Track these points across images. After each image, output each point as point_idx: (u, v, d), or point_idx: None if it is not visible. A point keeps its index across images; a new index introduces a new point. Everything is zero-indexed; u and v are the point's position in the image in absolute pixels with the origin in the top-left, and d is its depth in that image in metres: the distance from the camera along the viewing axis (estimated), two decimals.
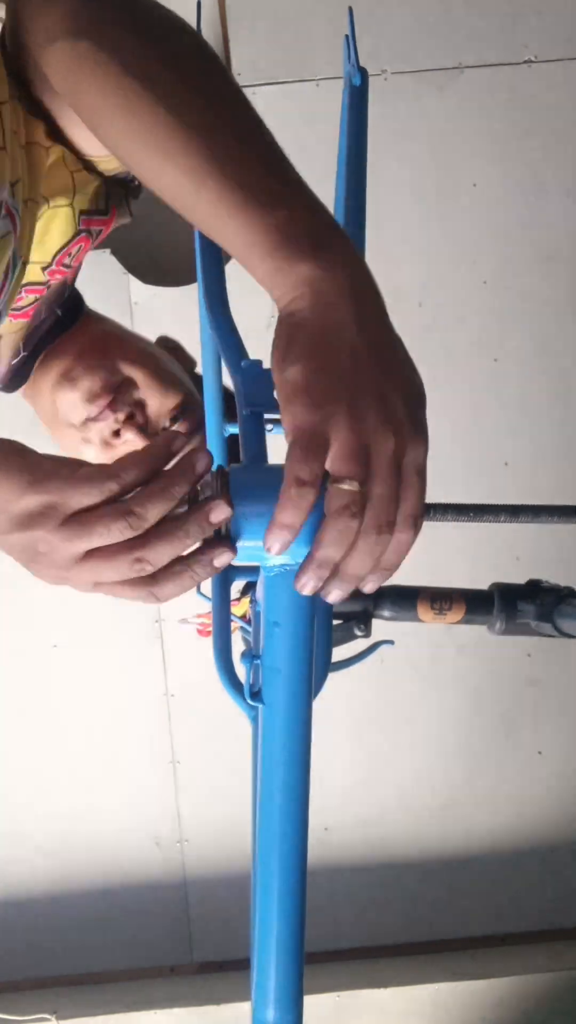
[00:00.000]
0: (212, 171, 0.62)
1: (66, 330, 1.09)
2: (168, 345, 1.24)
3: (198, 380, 1.14)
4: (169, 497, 0.58)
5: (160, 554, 0.58)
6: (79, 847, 2.65)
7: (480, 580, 1.29)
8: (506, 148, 2.65)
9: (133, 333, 1.19)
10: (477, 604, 1.15)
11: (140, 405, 1.08)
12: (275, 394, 0.58)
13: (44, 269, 0.95)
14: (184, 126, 0.64)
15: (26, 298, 0.97)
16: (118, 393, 1.06)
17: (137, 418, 1.07)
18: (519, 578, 1.20)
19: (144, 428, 1.08)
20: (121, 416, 1.06)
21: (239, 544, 0.61)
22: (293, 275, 0.59)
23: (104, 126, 0.68)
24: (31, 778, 2.64)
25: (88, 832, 2.65)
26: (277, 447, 0.71)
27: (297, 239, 0.60)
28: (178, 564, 0.59)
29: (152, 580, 0.59)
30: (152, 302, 2.69)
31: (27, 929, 2.65)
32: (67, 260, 0.97)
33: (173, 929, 2.64)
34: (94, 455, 1.09)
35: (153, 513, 0.58)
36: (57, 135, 0.86)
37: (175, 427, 1.10)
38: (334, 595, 0.59)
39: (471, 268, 2.71)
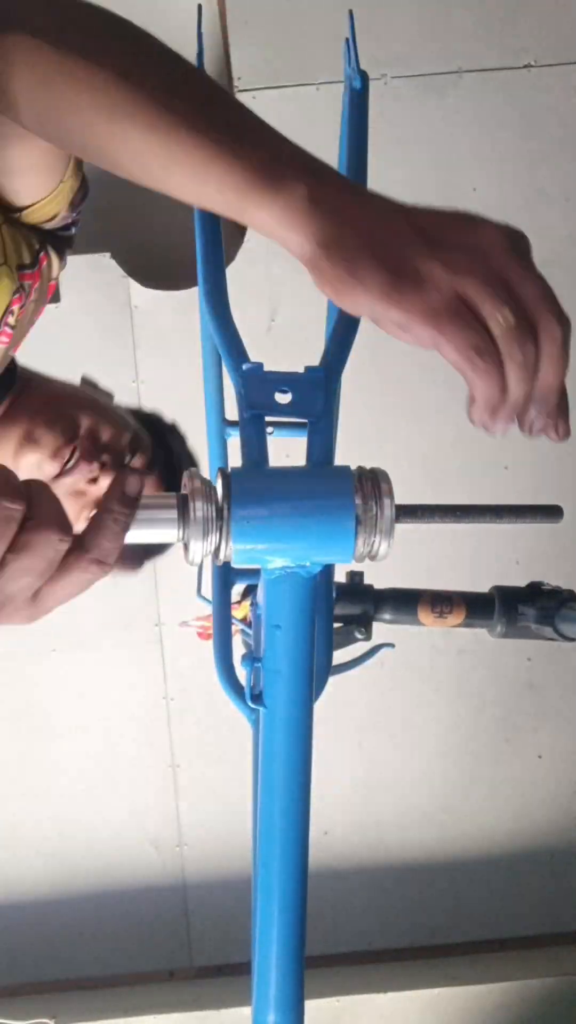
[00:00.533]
0: (179, 121, 0.59)
1: (4, 394, 1.08)
2: (91, 384, 1.24)
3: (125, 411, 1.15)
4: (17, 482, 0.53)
5: (57, 512, 0.54)
6: (78, 851, 2.64)
7: (480, 583, 1.29)
8: (505, 152, 2.66)
9: (68, 383, 1.18)
10: (478, 607, 1.15)
11: (107, 449, 1.08)
12: (375, 318, 0.54)
13: None
14: (134, 85, 0.61)
15: None
16: (86, 443, 1.06)
17: (109, 463, 1.07)
18: (519, 581, 1.20)
19: (114, 468, 1.08)
20: (95, 465, 1.06)
21: (239, 547, 0.61)
22: (299, 203, 0.56)
23: (52, 113, 0.65)
24: (30, 782, 2.64)
25: (87, 836, 2.64)
26: (276, 451, 0.70)
27: (286, 168, 0.57)
28: (96, 518, 0.55)
29: (85, 552, 0.55)
30: (152, 305, 2.69)
31: (26, 933, 2.64)
32: (11, 320, 0.96)
33: (172, 933, 2.64)
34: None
35: (20, 487, 0.53)
36: None
37: (134, 462, 1.11)
38: (539, 423, 0.58)
39: None
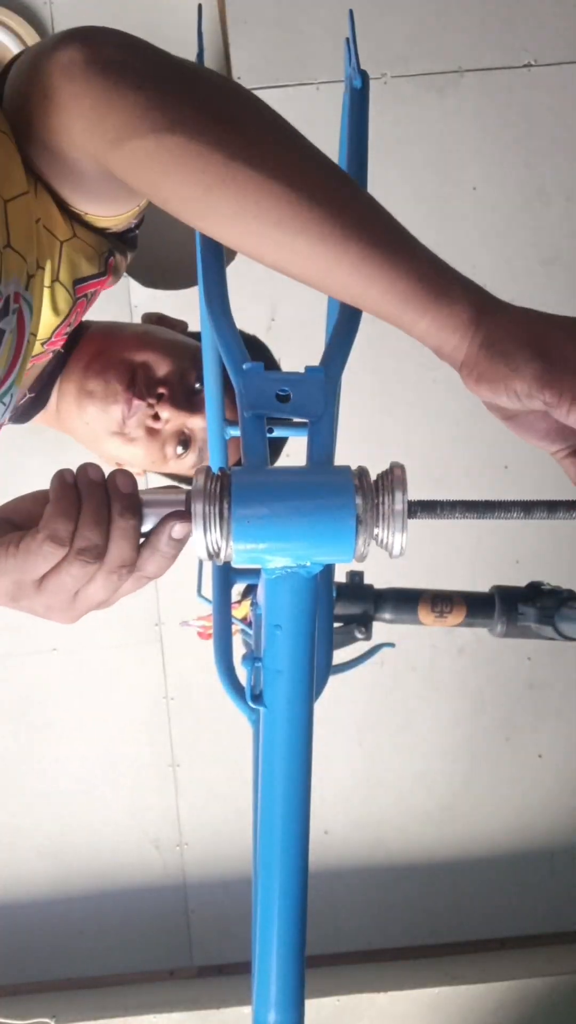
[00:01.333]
0: (349, 234, 0.63)
1: (68, 358, 1.09)
2: (153, 319, 1.25)
3: (196, 336, 1.14)
4: (104, 503, 0.62)
5: (126, 552, 0.62)
6: (78, 850, 2.64)
7: (480, 583, 1.29)
8: (506, 151, 2.65)
9: (119, 323, 1.19)
10: (478, 607, 1.16)
11: (164, 382, 1.08)
12: (529, 401, 0.61)
13: (43, 343, 0.96)
14: (303, 196, 0.63)
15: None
16: (135, 381, 1.06)
17: (166, 394, 1.07)
18: (519, 581, 1.20)
19: (177, 400, 1.08)
20: (152, 399, 1.06)
21: (240, 547, 0.61)
22: (462, 313, 0.63)
23: (214, 216, 0.67)
24: (30, 781, 2.64)
25: (87, 835, 2.64)
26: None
27: (448, 280, 0.64)
28: (146, 546, 0.63)
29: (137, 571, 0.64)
30: (152, 305, 2.69)
31: (26, 932, 2.64)
32: (67, 330, 0.98)
33: (173, 932, 2.64)
34: (143, 451, 1.09)
35: (100, 533, 0.61)
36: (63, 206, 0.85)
37: (201, 388, 1.10)
38: None
39: (471, 272, 2.67)
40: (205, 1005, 2.40)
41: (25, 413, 1.09)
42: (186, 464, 1.11)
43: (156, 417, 1.07)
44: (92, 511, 0.61)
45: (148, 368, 1.07)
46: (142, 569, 0.64)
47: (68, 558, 0.61)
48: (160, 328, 1.17)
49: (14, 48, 2.96)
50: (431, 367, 2.69)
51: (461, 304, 0.62)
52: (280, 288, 2.66)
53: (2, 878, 2.66)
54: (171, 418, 1.07)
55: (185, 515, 0.64)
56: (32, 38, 2.94)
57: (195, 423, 1.08)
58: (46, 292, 0.89)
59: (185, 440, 1.09)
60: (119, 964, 2.64)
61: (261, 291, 2.68)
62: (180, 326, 1.22)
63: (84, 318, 1.13)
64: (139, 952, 2.65)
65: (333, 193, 0.65)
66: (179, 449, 1.09)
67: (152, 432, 1.08)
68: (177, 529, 0.63)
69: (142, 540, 0.65)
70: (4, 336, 0.81)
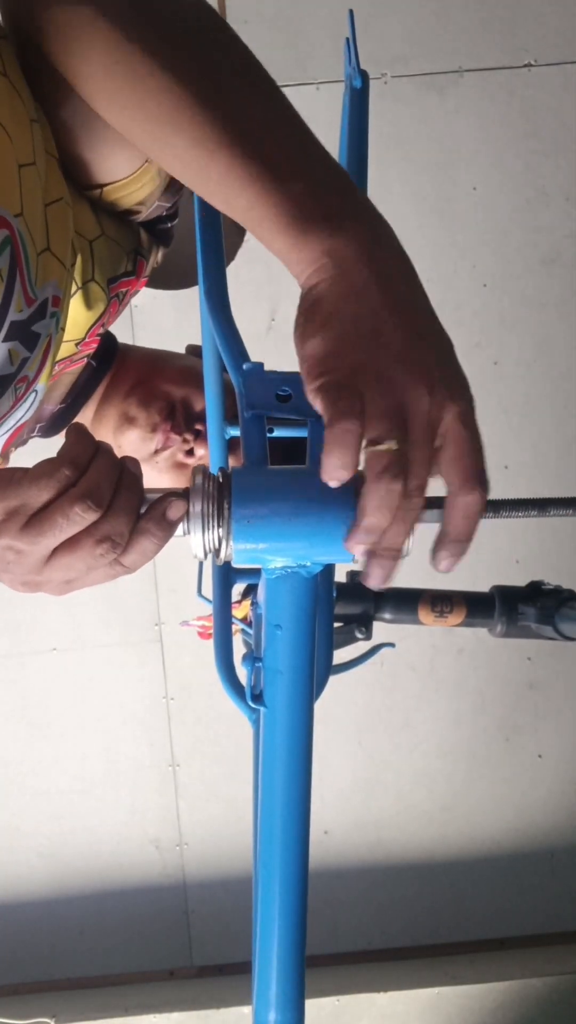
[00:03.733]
0: (224, 141, 0.60)
1: (103, 375, 1.08)
2: (197, 352, 1.25)
3: None
4: (117, 467, 0.59)
5: (121, 525, 0.58)
6: (78, 850, 2.64)
7: (480, 582, 1.29)
8: (506, 151, 2.65)
9: (166, 352, 1.19)
10: (478, 606, 1.15)
11: (200, 418, 1.08)
12: (302, 373, 0.57)
13: (77, 344, 0.95)
14: (193, 95, 0.61)
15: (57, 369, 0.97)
16: (175, 416, 1.06)
17: (202, 431, 1.06)
18: (519, 581, 1.20)
19: None
20: (189, 436, 1.06)
21: (240, 547, 0.61)
22: (308, 249, 0.58)
23: (105, 96, 0.66)
24: (30, 781, 2.64)
25: (87, 835, 2.64)
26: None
27: (312, 211, 0.58)
28: (135, 535, 0.60)
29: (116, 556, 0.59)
30: (152, 305, 2.69)
31: (26, 932, 2.64)
32: (100, 330, 0.98)
33: (173, 932, 2.64)
34: (168, 482, 1.09)
35: (107, 487, 0.58)
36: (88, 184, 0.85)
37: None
38: (376, 577, 0.57)
39: (471, 271, 2.71)
40: (205, 1005, 2.40)
41: (54, 426, 1.08)
42: None
43: (190, 453, 1.07)
44: (108, 481, 0.58)
45: (189, 404, 1.07)
46: (126, 550, 0.59)
47: (73, 496, 0.57)
48: (200, 363, 1.17)
49: None
50: None
51: (315, 240, 0.57)
52: (280, 287, 2.67)
53: (2, 878, 2.66)
54: (204, 456, 1.07)
55: (182, 497, 0.62)
56: None
57: (227, 462, 1.08)
58: (79, 292, 0.89)
59: None
60: (119, 964, 2.64)
61: (261, 291, 2.68)
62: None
63: (121, 341, 1.14)
64: (139, 952, 2.65)
65: (227, 99, 0.62)
66: None
67: (180, 466, 1.08)
68: (173, 508, 0.60)
69: None
70: (40, 341, 0.81)
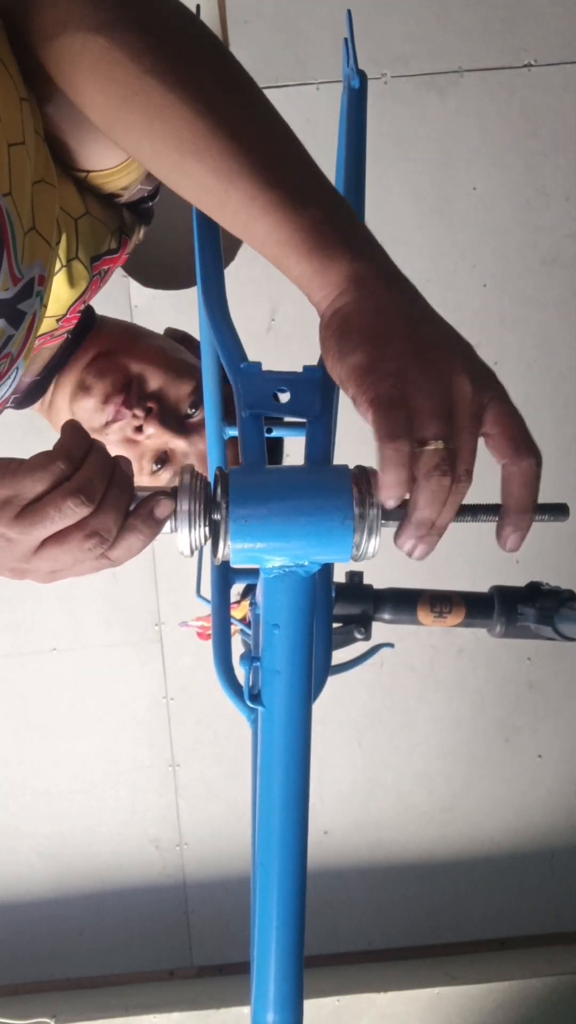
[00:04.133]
0: (242, 170, 0.62)
1: (77, 348, 1.09)
2: (176, 336, 1.24)
3: None
4: (109, 465, 0.60)
5: (110, 522, 0.60)
6: (78, 850, 2.64)
7: (479, 583, 1.29)
8: (506, 151, 2.65)
9: (141, 330, 1.18)
10: (477, 607, 1.15)
11: (156, 397, 1.08)
12: (348, 388, 0.59)
13: (58, 320, 0.96)
14: (211, 125, 0.63)
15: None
16: (130, 390, 1.06)
17: (156, 410, 1.07)
18: (518, 581, 1.20)
19: (166, 419, 1.08)
20: (139, 412, 1.06)
21: (238, 547, 0.61)
22: (333, 273, 0.61)
23: (122, 126, 0.67)
24: (30, 781, 2.64)
25: (87, 835, 2.64)
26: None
27: (331, 237, 0.61)
28: (123, 527, 0.61)
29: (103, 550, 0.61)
30: (152, 304, 2.69)
31: (26, 932, 2.64)
32: (81, 307, 0.98)
33: (172, 932, 2.64)
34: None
35: (99, 484, 0.59)
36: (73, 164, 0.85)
37: (195, 414, 1.10)
38: (421, 552, 0.61)
39: (471, 271, 2.71)
40: (205, 1005, 2.40)
41: (26, 398, 1.09)
42: (159, 481, 1.11)
43: (139, 429, 1.07)
44: (101, 477, 0.60)
45: (144, 380, 1.08)
46: (113, 545, 0.61)
47: (66, 490, 0.58)
48: (175, 346, 1.17)
49: None
50: None
51: (337, 264, 0.60)
52: (280, 288, 2.67)
53: (2, 878, 2.66)
54: (154, 435, 1.07)
55: (171, 496, 0.63)
56: None
57: (178, 444, 1.08)
58: (63, 270, 0.90)
59: (163, 459, 1.09)
60: (119, 964, 2.64)
61: (261, 291, 2.68)
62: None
63: (101, 313, 1.14)
64: (139, 952, 2.65)
65: (242, 128, 0.64)
66: (155, 466, 1.09)
67: (130, 442, 1.08)
68: (161, 507, 0.62)
69: None
70: (25, 319, 0.81)
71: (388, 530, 0.71)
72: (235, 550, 0.61)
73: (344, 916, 2.60)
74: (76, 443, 0.60)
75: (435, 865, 2.64)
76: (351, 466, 0.63)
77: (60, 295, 0.93)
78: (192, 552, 0.63)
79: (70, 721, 2.64)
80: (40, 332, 0.94)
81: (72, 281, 0.92)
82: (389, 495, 0.57)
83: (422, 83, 2.71)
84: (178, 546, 0.63)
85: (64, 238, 0.87)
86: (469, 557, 2.58)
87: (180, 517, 0.62)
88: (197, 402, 1.09)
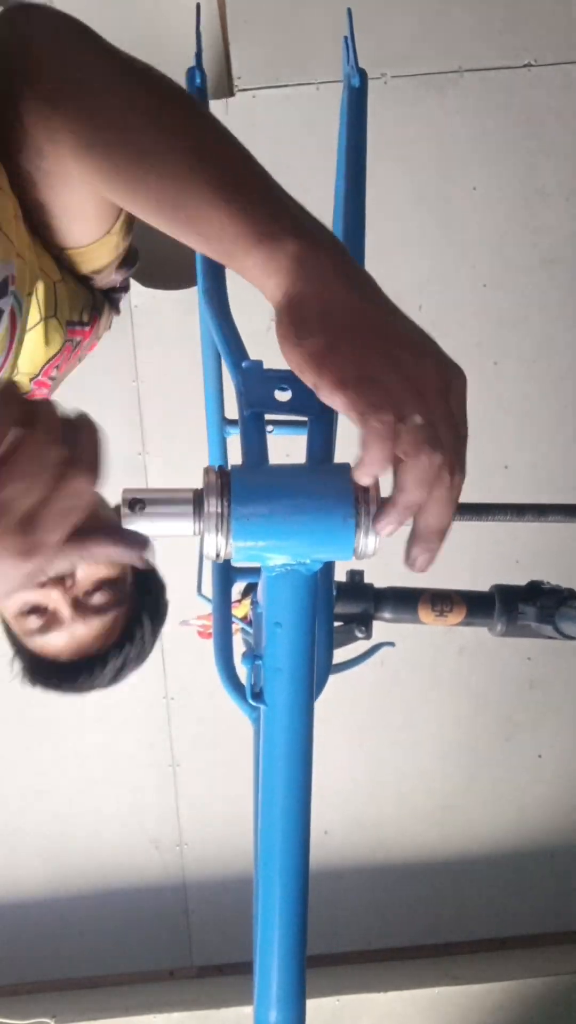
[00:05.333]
0: (195, 174, 0.65)
1: None
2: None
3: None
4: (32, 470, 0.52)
5: (51, 532, 0.52)
6: (78, 850, 2.64)
7: (480, 583, 1.29)
8: (505, 151, 2.65)
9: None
10: (478, 606, 1.15)
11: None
12: (304, 372, 0.58)
13: (32, 379, 0.96)
14: (163, 135, 0.66)
15: None
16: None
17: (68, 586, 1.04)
18: (519, 581, 1.20)
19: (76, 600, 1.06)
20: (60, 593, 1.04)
21: (240, 545, 0.61)
22: (281, 257, 0.61)
23: (86, 151, 0.70)
24: (30, 781, 2.64)
25: (87, 835, 2.64)
26: (276, 449, 0.70)
27: (280, 226, 0.62)
28: (42, 508, 0.52)
29: (29, 541, 0.52)
30: (151, 305, 2.69)
31: (26, 933, 2.64)
32: (53, 372, 0.98)
33: (173, 932, 2.64)
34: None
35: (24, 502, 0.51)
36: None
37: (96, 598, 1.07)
38: (422, 561, 0.59)
39: (471, 271, 2.71)
40: (205, 1005, 2.40)
41: None
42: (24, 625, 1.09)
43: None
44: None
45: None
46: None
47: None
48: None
49: None
50: None
51: (282, 247, 0.61)
52: None
53: (2, 878, 2.66)
54: (56, 600, 1.05)
55: (121, 542, 0.60)
56: None
57: (65, 613, 1.05)
58: (40, 325, 0.91)
59: (38, 610, 1.07)
60: (119, 964, 2.64)
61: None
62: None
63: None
64: (139, 952, 2.64)
65: (193, 137, 0.68)
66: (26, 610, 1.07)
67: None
68: (106, 553, 0.58)
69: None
70: (3, 315, 0.81)
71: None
72: (237, 548, 0.61)
73: (344, 916, 2.60)
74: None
75: (435, 864, 2.64)
76: (352, 464, 0.63)
77: (35, 353, 0.93)
78: (219, 557, 0.62)
79: (70, 721, 2.64)
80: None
81: (47, 339, 0.93)
82: (370, 471, 0.55)
83: (422, 83, 2.71)
84: (205, 551, 0.62)
85: (43, 290, 0.88)
86: (470, 557, 2.58)
87: (208, 520, 0.61)
88: (102, 587, 1.06)
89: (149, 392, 2.68)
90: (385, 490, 0.69)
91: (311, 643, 0.65)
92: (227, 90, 2.84)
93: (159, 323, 2.67)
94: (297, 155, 2.75)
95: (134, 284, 2.69)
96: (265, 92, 2.74)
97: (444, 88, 2.71)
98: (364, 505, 0.61)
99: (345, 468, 0.62)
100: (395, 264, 2.70)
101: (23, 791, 2.63)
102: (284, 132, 2.75)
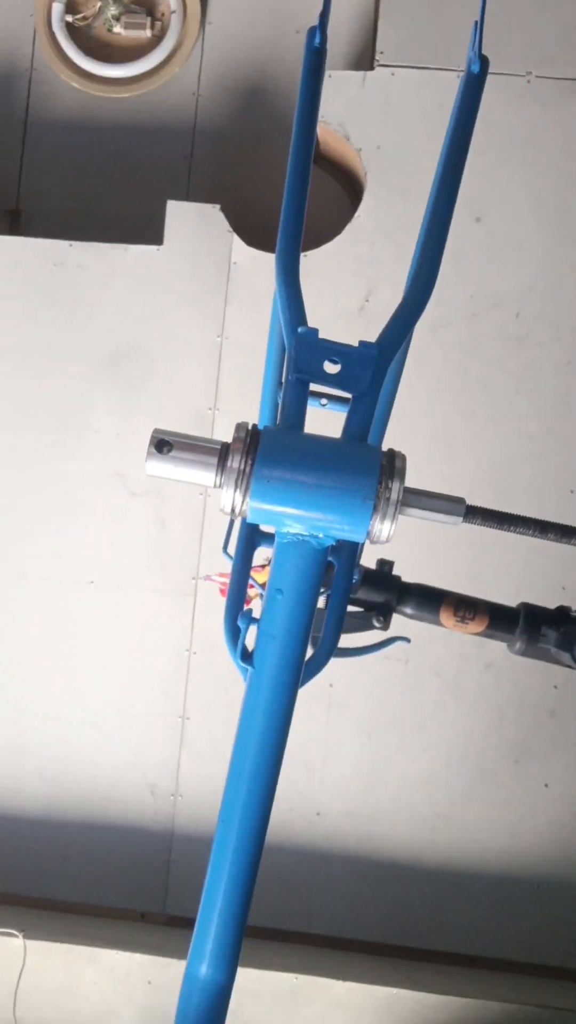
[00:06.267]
0: None
1: None
2: None
3: None
4: None
5: None
6: (78, 780, 2.70)
7: (517, 600, 1.26)
8: None
9: None
10: (501, 619, 1.14)
11: None
12: None
13: None
14: None
15: None
16: None
17: None
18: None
19: None
20: None
21: (256, 505, 0.61)
22: None
23: None
24: (45, 705, 2.70)
25: (89, 766, 2.69)
26: (316, 421, 0.70)
27: None
28: None
29: None
30: (250, 263, 2.69)
31: (13, 847, 2.71)
32: None
33: (151, 878, 2.69)
34: None
35: None
36: None
37: None
38: None
39: None
40: (168, 953, 2.43)
41: None
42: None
43: None
44: None
45: None
46: None
47: None
48: None
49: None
50: (518, 377, 2.65)
51: None
52: (380, 271, 2.64)
53: (1, 790, 2.73)
54: None
55: None
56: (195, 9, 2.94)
57: None
58: None
59: None
60: (94, 895, 2.70)
61: (361, 270, 2.66)
62: None
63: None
64: (116, 888, 2.70)
65: None
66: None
67: None
68: None
69: None
70: None
71: (420, 521, 0.70)
72: (253, 508, 0.61)
73: (320, 898, 2.61)
74: None
75: (420, 869, 2.63)
76: (397, 450, 0.62)
77: None
78: (234, 513, 0.62)
79: (93, 656, 2.69)
80: None
81: None
82: None
83: (565, 87, 2.64)
84: (221, 504, 0.63)
85: None
86: (517, 576, 2.54)
87: (228, 474, 0.62)
88: None
89: (231, 350, 2.69)
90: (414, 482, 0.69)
91: (309, 616, 0.65)
92: (368, 63, 2.81)
93: (254, 283, 2.67)
94: (425, 138, 2.71)
95: (236, 240, 2.69)
96: (404, 71, 2.70)
97: None
98: (387, 491, 0.60)
99: (375, 451, 0.62)
100: (502, 264, 2.65)
101: (36, 713, 2.70)
102: (416, 114, 2.71)
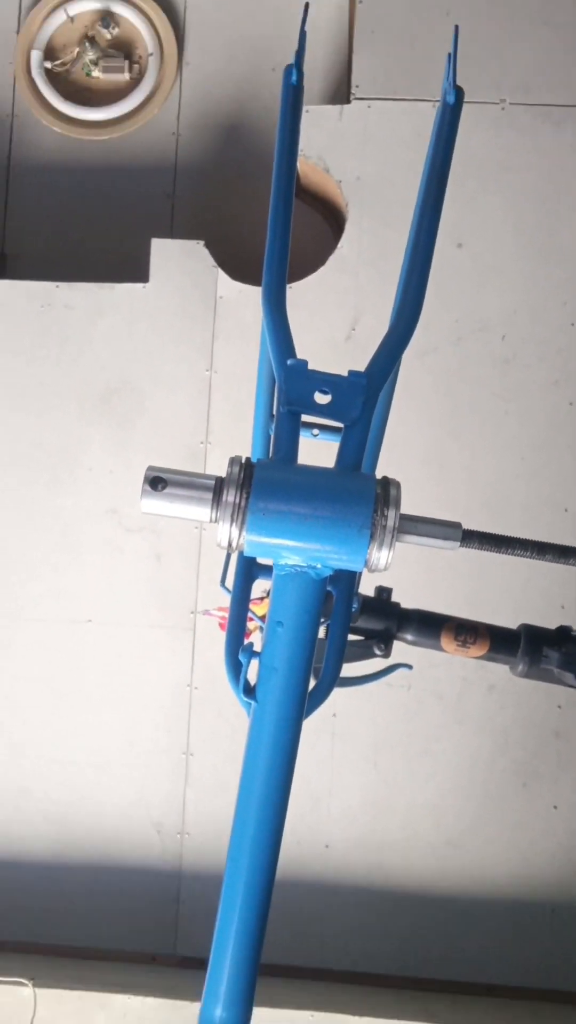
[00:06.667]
0: None
1: None
2: None
3: None
4: None
5: None
6: (83, 821, 2.67)
7: (520, 621, 1.26)
8: None
9: None
10: (502, 642, 1.13)
11: None
12: None
13: None
14: None
15: None
16: None
17: None
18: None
19: None
20: None
21: (253, 538, 0.61)
22: None
23: None
24: (47, 747, 2.67)
25: (94, 808, 2.67)
26: (309, 451, 0.70)
27: None
28: None
29: None
30: (237, 297, 2.71)
31: (16, 892, 2.67)
32: None
33: (161, 918, 2.65)
34: None
35: None
36: None
37: None
38: None
39: (561, 308, 2.67)
40: (181, 996, 2.39)
41: None
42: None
43: None
44: None
45: None
46: None
47: None
48: None
49: (146, 34, 3.02)
50: (506, 399, 2.67)
51: None
52: (366, 299, 2.66)
53: (4, 835, 2.70)
54: None
55: None
56: (164, 26, 3.00)
57: None
58: None
59: None
60: (103, 939, 2.66)
61: (346, 300, 2.68)
62: None
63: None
64: (125, 931, 2.66)
65: None
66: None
67: None
68: None
69: None
70: None
71: (417, 548, 0.70)
72: (249, 541, 0.61)
73: (332, 932, 2.58)
74: None
75: (432, 898, 2.60)
76: (388, 478, 0.62)
77: None
78: (231, 547, 0.63)
79: (94, 695, 2.67)
80: None
81: None
82: None
83: (539, 113, 2.68)
84: (218, 539, 0.63)
85: None
86: (515, 596, 2.54)
87: (223, 508, 0.62)
88: None
89: (220, 383, 2.70)
90: (408, 508, 0.69)
91: (311, 647, 0.65)
92: (344, 97, 2.86)
93: (241, 317, 2.69)
94: (404, 168, 2.75)
95: (221, 275, 2.71)
96: (380, 103, 2.74)
97: (562, 122, 2.68)
98: (383, 519, 0.60)
99: (370, 479, 0.62)
100: (486, 289, 2.68)
101: (39, 755, 2.67)
102: (394, 145, 2.75)
